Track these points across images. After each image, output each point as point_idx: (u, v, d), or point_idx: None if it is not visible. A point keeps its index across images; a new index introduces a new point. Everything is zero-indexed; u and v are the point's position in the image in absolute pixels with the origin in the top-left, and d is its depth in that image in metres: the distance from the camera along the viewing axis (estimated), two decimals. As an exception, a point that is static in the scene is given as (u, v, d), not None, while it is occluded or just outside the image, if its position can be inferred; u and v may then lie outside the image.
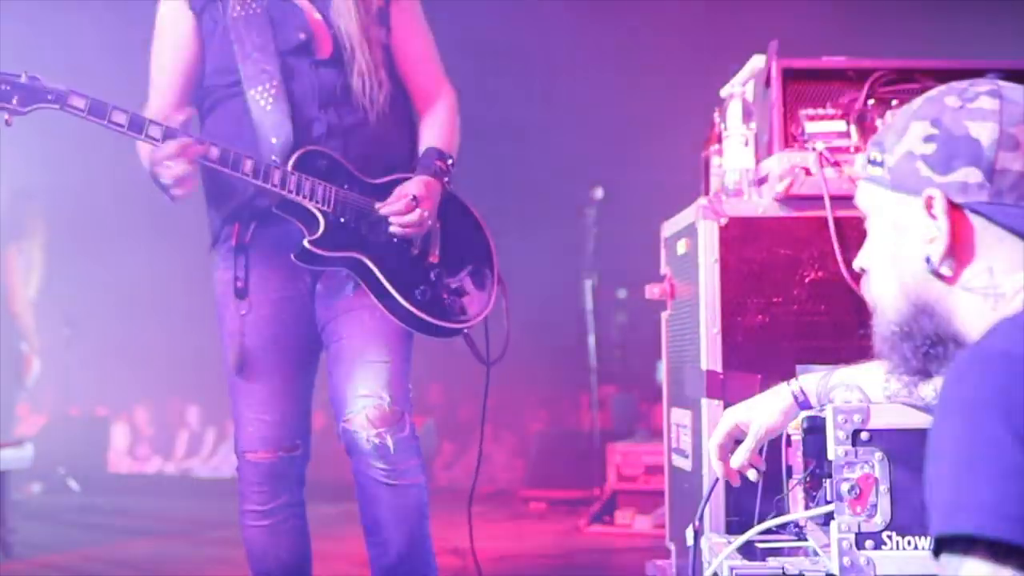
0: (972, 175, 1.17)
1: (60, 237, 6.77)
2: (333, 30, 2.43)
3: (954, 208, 1.18)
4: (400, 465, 2.34)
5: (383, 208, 2.36)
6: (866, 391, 1.75)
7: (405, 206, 2.34)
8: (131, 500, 6.72)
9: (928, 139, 1.20)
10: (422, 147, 2.52)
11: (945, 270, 1.19)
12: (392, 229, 2.36)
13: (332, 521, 4.55)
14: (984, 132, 1.17)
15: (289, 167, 2.30)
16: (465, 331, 2.49)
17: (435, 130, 2.53)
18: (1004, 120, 1.17)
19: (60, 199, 7.17)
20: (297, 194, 2.29)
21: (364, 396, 2.33)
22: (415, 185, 2.37)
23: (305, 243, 2.30)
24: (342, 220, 2.33)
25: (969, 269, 1.17)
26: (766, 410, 1.83)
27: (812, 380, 1.82)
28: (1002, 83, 1.21)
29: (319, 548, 2.71)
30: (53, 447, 7.21)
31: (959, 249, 1.18)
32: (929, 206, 1.19)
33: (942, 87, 1.23)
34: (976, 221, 1.17)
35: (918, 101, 1.25)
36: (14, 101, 2.13)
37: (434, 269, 2.44)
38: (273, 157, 2.31)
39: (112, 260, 8.60)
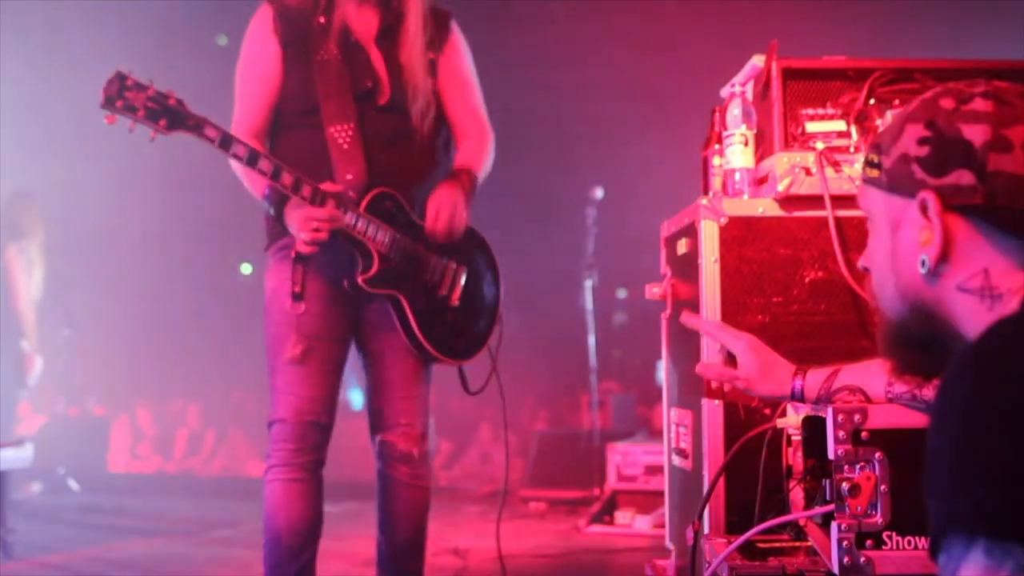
0: (964, 177, 1.17)
1: (60, 237, 6.77)
2: (393, 78, 2.72)
3: (948, 210, 1.18)
4: (419, 470, 2.81)
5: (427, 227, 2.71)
6: (869, 393, 1.75)
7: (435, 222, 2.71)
8: (131, 500, 6.71)
9: (922, 141, 1.20)
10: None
11: (941, 272, 1.19)
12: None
13: (332, 521, 4.53)
14: (977, 134, 1.17)
15: (362, 208, 2.62)
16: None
17: (463, 152, 2.88)
18: (998, 122, 1.17)
19: (59, 199, 7.17)
20: (364, 235, 2.62)
21: (403, 424, 2.78)
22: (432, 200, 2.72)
23: (359, 279, 2.64)
24: (392, 262, 2.67)
25: (965, 271, 1.17)
26: (762, 372, 1.86)
27: (817, 379, 1.83)
28: (998, 84, 1.21)
29: (320, 548, 2.74)
30: (53, 447, 7.22)
31: (954, 251, 1.18)
32: (923, 208, 1.19)
33: (938, 88, 1.23)
34: (970, 223, 1.17)
35: (914, 103, 1.25)
36: (162, 123, 2.36)
37: (452, 311, 2.80)
38: (351, 193, 2.62)
39: (112, 260, 8.61)
